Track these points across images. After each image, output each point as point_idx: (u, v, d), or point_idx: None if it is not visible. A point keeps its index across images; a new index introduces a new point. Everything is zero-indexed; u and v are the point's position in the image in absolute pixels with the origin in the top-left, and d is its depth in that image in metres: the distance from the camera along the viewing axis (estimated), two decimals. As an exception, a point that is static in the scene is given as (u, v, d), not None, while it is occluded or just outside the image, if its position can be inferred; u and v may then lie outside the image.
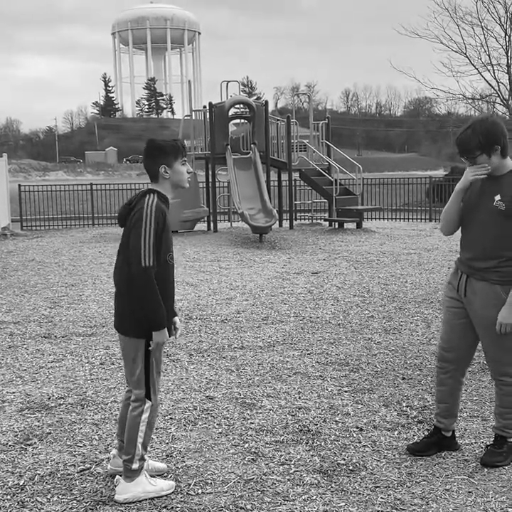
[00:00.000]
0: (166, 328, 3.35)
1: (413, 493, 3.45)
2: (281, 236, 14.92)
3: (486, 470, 3.70)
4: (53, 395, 4.93)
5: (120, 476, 3.47)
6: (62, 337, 6.63)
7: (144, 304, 3.30)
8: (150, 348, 3.35)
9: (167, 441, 4.12)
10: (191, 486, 3.53)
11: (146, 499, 3.39)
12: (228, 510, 3.29)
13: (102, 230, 17.40)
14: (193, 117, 17.25)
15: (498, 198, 3.62)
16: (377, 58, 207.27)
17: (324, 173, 17.07)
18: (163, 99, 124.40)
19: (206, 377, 5.33)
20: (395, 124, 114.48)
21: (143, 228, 3.27)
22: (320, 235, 15.30)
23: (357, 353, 6.00)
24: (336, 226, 16.69)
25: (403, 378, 5.30)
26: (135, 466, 3.40)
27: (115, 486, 3.46)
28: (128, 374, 3.46)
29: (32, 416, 4.54)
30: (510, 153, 3.73)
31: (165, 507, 3.34)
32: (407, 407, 4.66)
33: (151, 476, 3.53)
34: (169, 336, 3.43)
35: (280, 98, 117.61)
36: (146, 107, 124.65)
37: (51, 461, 3.84)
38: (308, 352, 6.03)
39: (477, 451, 3.93)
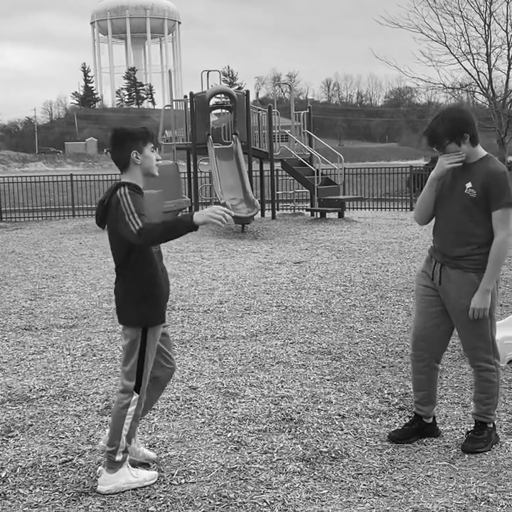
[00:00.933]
0: (197, 215, 3.18)
1: (395, 479, 3.48)
2: (264, 226, 14.92)
3: (466, 456, 3.73)
4: (35, 387, 4.90)
5: (103, 467, 3.47)
6: (43, 329, 6.59)
7: (168, 237, 3.25)
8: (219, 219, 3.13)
9: (150, 431, 4.12)
10: (174, 476, 3.53)
11: (129, 489, 3.39)
12: (211, 499, 3.29)
13: (83, 222, 17.27)
14: (174, 107, 17.13)
15: (469, 185, 3.64)
16: (359, 48, 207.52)
17: (306, 163, 17.07)
18: (143, 89, 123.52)
19: (189, 368, 5.33)
20: (376, 113, 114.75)
21: (123, 208, 3.25)
22: (302, 225, 15.32)
23: (339, 341, 6.03)
24: (318, 216, 16.71)
25: (384, 366, 5.33)
26: (118, 457, 3.40)
27: (97, 476, 3.46)
28: (122, 363, 3.46)
29: (13, 408, 4.51)
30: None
31: (148, 497, 3.34)
32: (388, 394, 4.70)
33: (138, 464, 3.53)
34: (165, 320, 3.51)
35: (261, 88, 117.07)
36: (127, 97, 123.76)
37: (33, 452, 3.83)
38: (291, 341, 6.04)
39: (458, 438, 3.97)
